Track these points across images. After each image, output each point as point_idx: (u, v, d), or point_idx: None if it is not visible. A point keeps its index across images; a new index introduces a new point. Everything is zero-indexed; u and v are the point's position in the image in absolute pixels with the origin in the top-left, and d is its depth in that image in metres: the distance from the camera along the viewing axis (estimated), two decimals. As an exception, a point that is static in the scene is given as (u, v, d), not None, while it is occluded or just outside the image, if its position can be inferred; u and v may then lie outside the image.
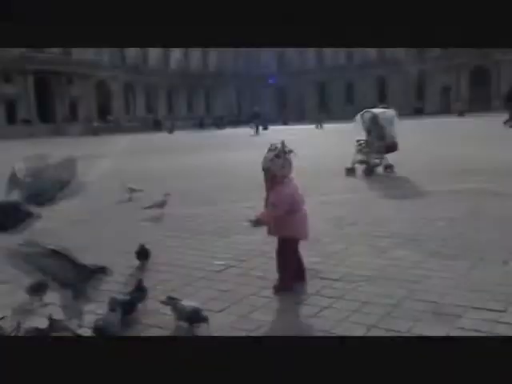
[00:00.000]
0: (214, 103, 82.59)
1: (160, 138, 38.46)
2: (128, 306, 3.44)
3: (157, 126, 59.70)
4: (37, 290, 3.72)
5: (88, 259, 4.45)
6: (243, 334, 3.22)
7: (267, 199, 4.01)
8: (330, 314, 3.50)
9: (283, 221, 3.90)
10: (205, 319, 3.22)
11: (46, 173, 3.25)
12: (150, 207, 7.14)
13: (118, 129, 55.51)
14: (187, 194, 9.41)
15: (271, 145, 3.90)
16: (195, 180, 11.52)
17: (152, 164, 16.21)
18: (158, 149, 24.68)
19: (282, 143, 3.88)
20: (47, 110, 60.48)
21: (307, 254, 4.91)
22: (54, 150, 26.31)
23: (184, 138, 36.54)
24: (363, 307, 3.58)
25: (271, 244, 5.34)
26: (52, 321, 3.03)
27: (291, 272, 4.06)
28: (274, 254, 4.95)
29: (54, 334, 2.63)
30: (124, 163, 16.96)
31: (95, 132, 49.53)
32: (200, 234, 6.03)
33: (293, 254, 4.08)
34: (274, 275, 4.33)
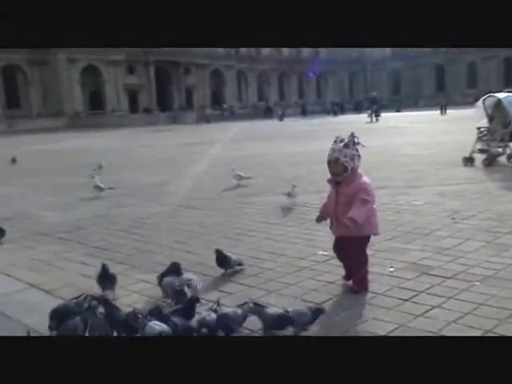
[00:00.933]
0: (325, 89, 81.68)
1: (270, 124, 38.83)
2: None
3: (268, 112, 60.31)
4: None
5: (197, 243, 4.58)
6: (344, 328, 3.11)
7: (334, 199, 3.67)
8: (439, 314, 3.25)
9: (365, 219, 3.58)
10: (292, 322, 3.00)
11: None
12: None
13: (230, 116, 56.99)
14: (294, 181, 9.36)
15: (337, 137, 3.68)
16: (302, 167, 11.43)
17: (260, 151, 16.37)
18: (267, 136, 24.91)
19: (352, 134, 3.65)
20: (166, 99, 63.69)
21: (418, 248, 4.67)
22: (170, 137, 27.60)
23: (293, 125, 36.54)
24: (477, 309, 3.28)
25: (378, 236, 5.14)
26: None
27: (366, 271, 3.79)
28: (379, 247, 4.77)
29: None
30: (233, 149, 17.32)
31: (208, 119, 51.25)
32: (304, 223, 5.95)
33: (365, 252, 3.82)
34: (381, 269, 4.14)
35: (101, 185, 8.67)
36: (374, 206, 3.72)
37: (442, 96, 46.26)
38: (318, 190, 7.91)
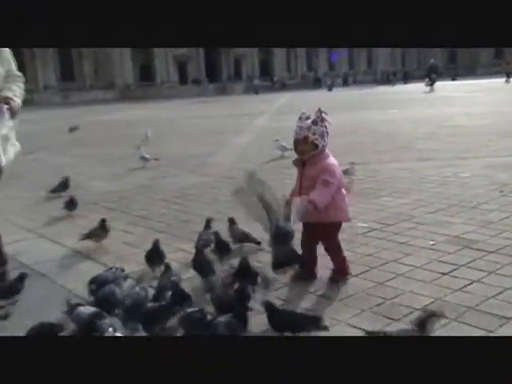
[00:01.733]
0: (376, 59, 79.38)
1: (318, 95, 38.24)
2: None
3: (316, 83, 59.29)
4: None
5: (238, 214, 4.61)
6: (379, 301, 3.08)
7: (299, 182, 3.43)
8: (478, 288, 3.16)
9: (334, 202, 3.31)
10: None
11: None
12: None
13: (280, 88, 56.42)
14: (337, 152, 9.23)
15: (302, 113, 3.44)
16: (347, 137, 11.24)
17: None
18: (314, 106, 24.50)
19: (319, 109, 3.39)
20: (214, 69, 63.66)
21: (462, 221, 4.53)
22: (217, 108, 27.70)
23: (342, 95, 35.83)
24: (520, 285, 3.16)
25: (421, 208, 5.04)
26: None
27: (344, 257, 3.53)
28: (421, 220, 4.66)
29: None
30: (278, 120, 17.20)
31: (256, 90, 50.98)
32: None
33: (337, 239, 3.52)
34: (422, 242, 4.05)
35: (146, 155, 8.83)
36: (343, 190, 3.45)
37: (504, 63, 42.98)
38: (364, 161, 7.79)
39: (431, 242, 4.05)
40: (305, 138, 3.34)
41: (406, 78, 51.95)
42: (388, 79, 52.63)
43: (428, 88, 31.97)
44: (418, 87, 35.83)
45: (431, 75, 32.80)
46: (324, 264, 3.55)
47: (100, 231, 4.43)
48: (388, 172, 7.04)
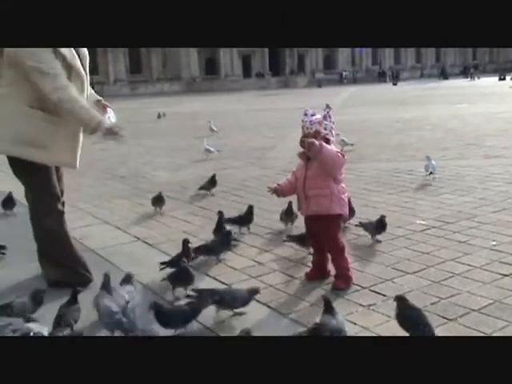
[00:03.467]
0: (447, 52, 76.45)
1: (382, 89, 37.39)
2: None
3: (381, 77, 57.91)
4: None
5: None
6: (434, 300, 3.03)
7: (304, 174, 3.35)
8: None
9: (336, 193, 3.30)
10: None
11: None
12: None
13: (350, 81, 55.52)
14: (400, 148, 9.06)
15: (306, 110, 3.40)
16: (409, 134, 10.96)
17: (367, 116, 15.89)
18: (377, 101, 24.05)
19: (327, 105, 3.34)
20: (278, 63, 63.62)
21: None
22: (280, 101, 27.58)
23: (407, 89, 34.83)
24: None
25: (484, 207, 4.87)
26: None
27: (347, 260, 3.39)
28: (483, 219, 4.50)
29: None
30: (340, 114, 16.99)
31: (319, 84, 50.49)
32: (407, 191, 5.77)
33: (340, 237, 3.42)
34: (483, 242, 3.93)
35: (210, 148, 9.01)
36: (343, 185, 3.41)
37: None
38: (423, 158, 7.60)
39: (493, 243, 3.92)
40: (316, 132, 3.29)
41: (475, 73, 49.88)
42: (469, 73, 50.02)
43: None
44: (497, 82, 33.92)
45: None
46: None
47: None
48: (452, 169, 6.84)
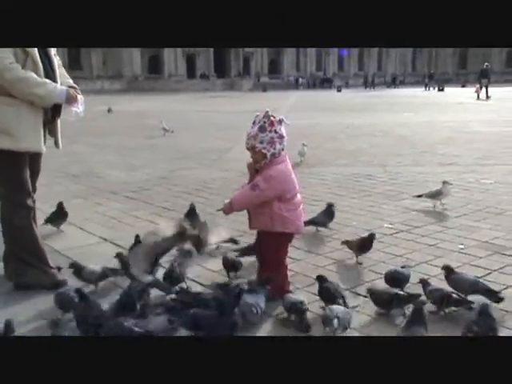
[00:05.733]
0: (386, 61, 79.08)
1: (327, 95, 38.17)
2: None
3: (325, 83, 59.18)
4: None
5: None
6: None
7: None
8: (513, 294, 3.17)
9: (278, 212, 3.05)
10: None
11: None
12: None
13: (294, 86, 56.26)
14: (356, 153, 9.23)
15: (256, 116, 3.08)
16: (362, 140, 11.22)
17: (318, 121, 16.14)
18: (324, 107, 24.51)
19: (266, 112, 3.03)
20: (223, 65, 63.62)
21: (488, 227, 4.53)
22: (227, 104, 27.58)
23: (351, 96, 35.73)
24: (556, 292, 3.17)
25: (446, 213, 5.04)
26: None
27: (286, 274, 3.25)
28: (448, 224, 4.66)
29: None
30: (293, 118, 17.15)
31: (264, 88, 50.91)
32: (369, 196, 5.88)
33: (286, 253, 3.27)
34: (451, 246, 4.05)
35: (165, 126, 8.59)
36: (295, 200, 3.13)
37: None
38: (382, 164, 7.81)
39: (461, 246, 4.05)
40: (252, 147, 3.04)
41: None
42: (425, 82, 48.62)
43: (476, 94, 28.38)
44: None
45: (482, 80, 28.89)
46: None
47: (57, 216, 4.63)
48: (409, 175, 7.04)
